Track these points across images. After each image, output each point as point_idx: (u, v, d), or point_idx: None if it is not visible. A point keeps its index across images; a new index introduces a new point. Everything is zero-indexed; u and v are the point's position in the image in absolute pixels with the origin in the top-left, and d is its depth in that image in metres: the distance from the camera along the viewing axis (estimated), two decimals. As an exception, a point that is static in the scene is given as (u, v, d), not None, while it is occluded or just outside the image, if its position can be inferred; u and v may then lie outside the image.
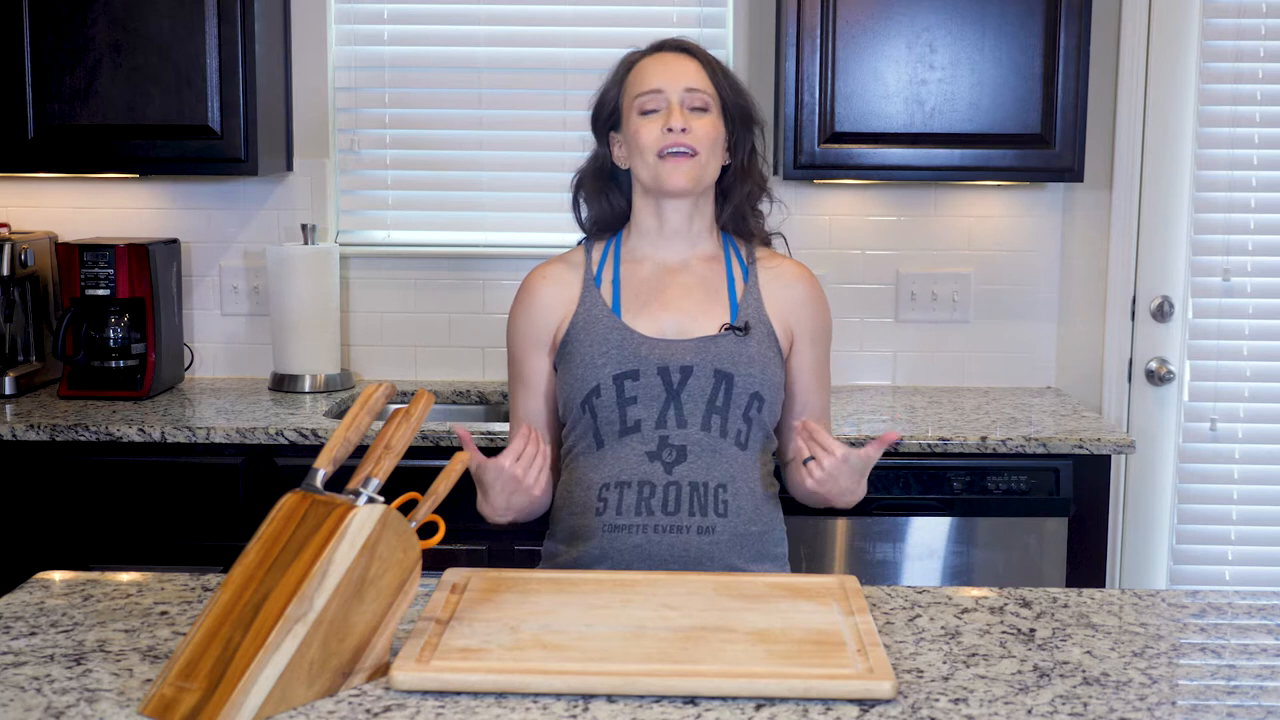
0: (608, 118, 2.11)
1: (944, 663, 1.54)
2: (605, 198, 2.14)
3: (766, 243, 2.16)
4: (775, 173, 3.01)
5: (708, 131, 2.03)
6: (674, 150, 2.01)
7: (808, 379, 2.11)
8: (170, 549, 2.81)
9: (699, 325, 2.04)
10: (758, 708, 1.40)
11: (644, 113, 2.04)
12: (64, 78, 3.01)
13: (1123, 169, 3.30)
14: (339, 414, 3.03)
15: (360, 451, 1.59)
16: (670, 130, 2.00)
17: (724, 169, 2.10)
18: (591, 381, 2.00)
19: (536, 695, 1.42)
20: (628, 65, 2.10)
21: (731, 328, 2.03)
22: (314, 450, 2.70)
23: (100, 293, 3.07)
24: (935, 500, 2.81)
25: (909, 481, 2.79)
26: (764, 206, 2.17)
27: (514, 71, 3.36)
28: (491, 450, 2.25)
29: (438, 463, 1.77)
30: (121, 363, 3.12)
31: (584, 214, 2.17)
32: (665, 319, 2.04)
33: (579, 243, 2.18)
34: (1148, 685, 1.48)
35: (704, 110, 2.04)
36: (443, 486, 1.57)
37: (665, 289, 2.07)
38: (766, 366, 2.03)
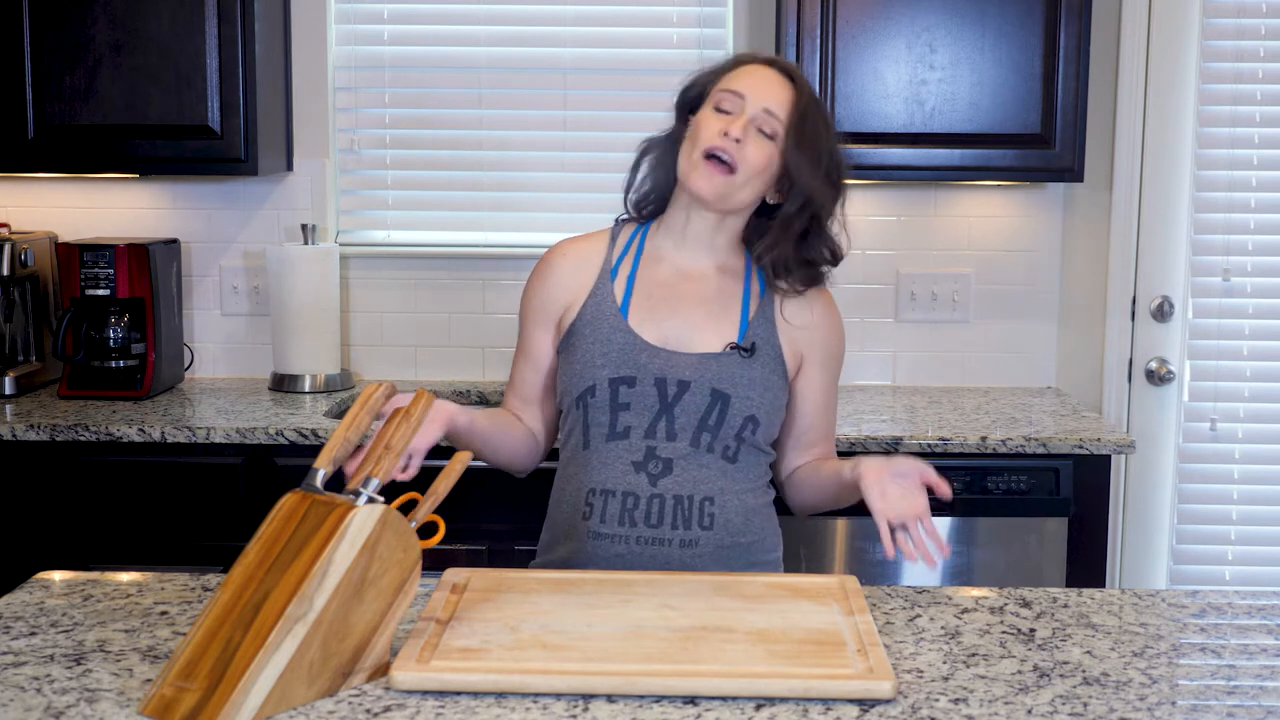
0: (694, 99, 2.05)
1: (944, 663, 1.54)
2: (663, 170, 2.08)
3: (804, 284, 2.06)
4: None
5: (757, 157, 1.96)
6: (716, 154, 1.96)
7: (815, 402, 2.09)
8: (170, 549, 2.81)
9: (704, 338, 2.00)
10: (758, 708, 1.40)
11: (718, 109, 1.99)
12: (64, 77, 3.01)
13: (1123, 169, 3.29)
14: (339, 414, 3.03)
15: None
16: (726, 135, 1.95)
17: (775, 207, 2.03)
18: (588, 380, 1.99)
19: (536, 695, 1.42)
20: (735, 62, 2.05)
21: (737, 347, 2.00)
22: (314, 450, 2.70)
23: (100, 293, 3.07)
24: (935, 500, 2.80)
25: (909, 481, 2.78)
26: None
27: (514, 71, 3.36)
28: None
29: (438, 463, 1.77)
30: (121, 363, 3.12)
31: (637, 181, 2.11)
32: (671, 326, 2.00)
33: (615, 220, 2.14)
34: (1148, 685, 1.48)
35: (770, 137, 1.97)
36: (443, 486, 1.57)
37: (678, 295, 2.03)
38: (767, 390, 2.00)
